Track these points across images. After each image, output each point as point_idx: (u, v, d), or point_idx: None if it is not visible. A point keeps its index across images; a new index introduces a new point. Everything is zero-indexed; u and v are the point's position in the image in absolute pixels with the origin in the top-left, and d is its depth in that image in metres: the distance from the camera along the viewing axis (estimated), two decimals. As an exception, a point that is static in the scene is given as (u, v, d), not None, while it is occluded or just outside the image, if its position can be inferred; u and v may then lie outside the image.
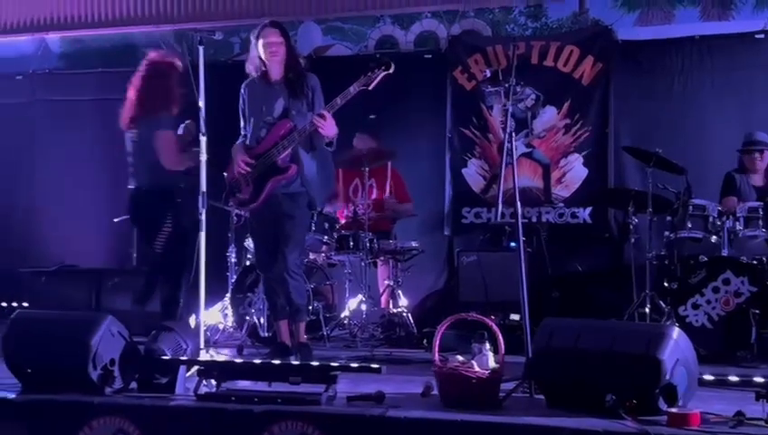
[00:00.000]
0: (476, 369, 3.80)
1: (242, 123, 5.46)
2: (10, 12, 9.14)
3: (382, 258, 6.88)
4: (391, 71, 5.11)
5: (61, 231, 8.51)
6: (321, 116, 5.10)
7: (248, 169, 5.28)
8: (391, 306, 6.68)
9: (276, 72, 5.32)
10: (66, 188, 8.64)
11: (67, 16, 8.96)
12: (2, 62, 9.22)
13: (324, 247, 6.73)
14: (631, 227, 6.33)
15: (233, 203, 5.70)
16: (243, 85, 5.44)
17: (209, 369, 4.06)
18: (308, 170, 5.29)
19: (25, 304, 7.18)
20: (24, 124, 8.90)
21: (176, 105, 5.36)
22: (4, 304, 7.97)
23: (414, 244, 6.87)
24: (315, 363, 4.12)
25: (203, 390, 3.95)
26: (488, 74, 4.65)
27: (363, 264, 6.64)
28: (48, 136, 8.85)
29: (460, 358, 3.94)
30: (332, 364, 4.01)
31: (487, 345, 3.92)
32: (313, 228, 6.43)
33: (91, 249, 8.26)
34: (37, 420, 3.86)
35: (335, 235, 6.64)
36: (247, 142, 5.39)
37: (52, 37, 9.14)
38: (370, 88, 5.16)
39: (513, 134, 4.26)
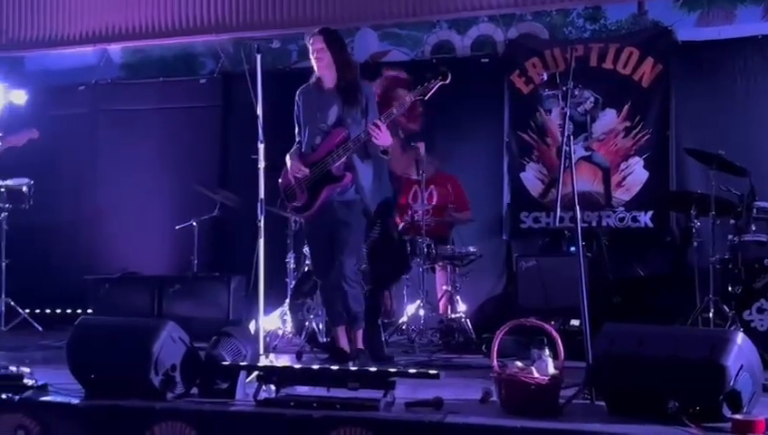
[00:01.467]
0: (536, 375, 3.77)
1: (297, 130, 5.50)
2: (73, 24, 9.32)
3: (440, 264, 6.87)
4: (448, 81, 5.10)
5: (124, 239, 8.66)
6: (376, 126, 5.10)
7: (303, 176, 5.31)
8: (449, 312, 6.67)
9: (329, 80, 5.34)
10: (129, 197, 8.79)
11: (128, 27, 9.10)
12: (65, 74, 9.41)
13: (382, 253, 6.74)
14: (694, 230, 6.22)
15: (288, 210, 5.74)
16: (298, 92, 5.48)
17: (269, 374, 4.09)
18: (363, 178, 5.30)
19: (89, 311, 7.31)
20: (87, 134, 9.07)
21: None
22: (68, 311, 8.14)
23: (472, 249, 6.84)
24: (373, 369, 4.11)
25: (262, 395, 3.98)
26: (546, 78, 4.62)
27: (421, 269, 6.64)
28: (110, 145, 9.00)
29: (519, 364, 3.91)
30: (390, 370, 4.01)
31: (547, 351, 3.88)
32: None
33: (154, 257, 8.38)
34: (100, 426, 3.92)
35: (392, 241, 6.64)
36: (302, 149, 5.42)
37: (114, 48, 9.30)
38: (426, 98, 5.17)
39: (572, 138, 4.21)
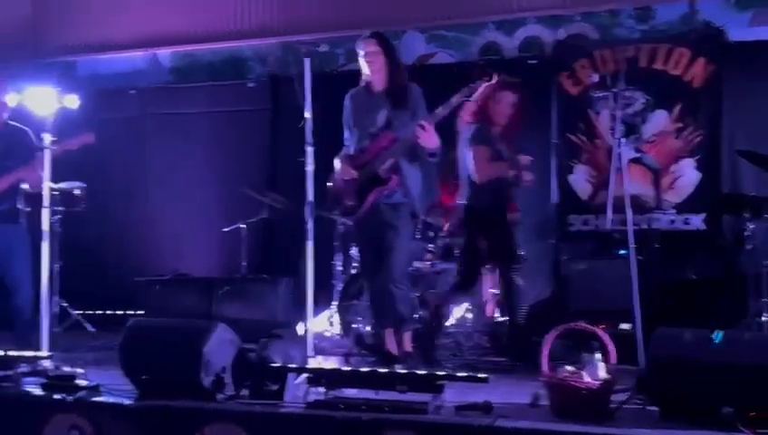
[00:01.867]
0: (587, 379, 3.74)
1: (345, 133, 5.51)
2: (123, 29, 9.45)
3: (487, 266, 6.82)
4: (494, 81, 5.08)
5: (174, 241, 8.76)
6: (422, 127, 5.10)
7: (351, 179, 5.32)
8: (497, 315, 6.62)
9: (379, 83, 5.35)
10: (179, 199, 8.89)
11: (177, 32, 9.22)
12: (115, 78, 9.55)
13: (429, 255, 6.73)
14: (746, 233, 6.12)
15: (337, 212, 5.76)
16: (347, 96, 5.49)
17: (318, 376, 4.10)
18: (411, 181, 5.29)
19: (140, 313, 7.39)
20: (138, 138, 9.19)
21: None
22: (120, 313, 8.24)
23: (519, 252, 6.79)
24: (422, 372, 4.11)
25: (312, 397, 3.99)
26: (596, 79, 4.58)
27: (468, 272, 6.60)
28: (160, 149, 9.11)
29: (570, 368, 3.88)
30: (439, 373, 4.00)
31: (598, 355, 3.85)
32: (418, 237, 6.43)
33: (204, 259, 8.47)
34: (152, 426, 3.97)
35: (440, 243, 6.63)
36: (351, 152, 5.43)
37: (163, 52, 9.42)
38: (472, 99, 5.15)
39: (623, 140, 4.18)
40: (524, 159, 5.77)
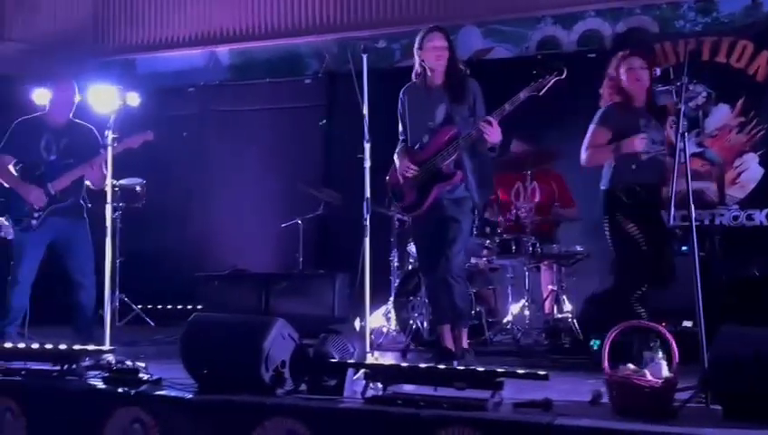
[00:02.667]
0: (649, 377, 3.68)
1: (400, 128, 5.50)
2: (182, 27, 9.58)
3: (545, 263, 6.78)
4: (563, 76, 5.03)
5: (232, 237, 8.85)
6: (488, 122, 5.07)
7: (412, 175, 5.31)
8: (556, 312, 6.57)
9: (438, 78, 5.32)
10: (236, 195, 8.98)
11: (235, 29, 9.31)
12: (175, 76, 9.68)
13: (485, 252, 6.70)
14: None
15: (396, 208, 5.75)
16: (402, 90, 5.48)
17: (376, 372, 4.10)
18: (471, 175, 5.27)
19: (199, 307, 7.47)
20: (197, 134, 9.30)
21: None
22: (179, 307, 8.36)
23: (578, 248, 6.72)
24: (481, 369, 4.08)
25: (370, 393, 3.99)
26: (658, 73, 4.49)
27: (526, 268, 6.57)
28: (218, 145, 9.21)
29: (631, 366, 3.82)
30: (498, 370, 3.97)
31: (660, 353, 3.79)
32: (475, 232, 6.41)
33: (261, 254, 8.54)
34: (213, 420, 4.00)
35: (497, 239, 6.59)
36: (409, 147, 5.42)
37: (222, 50, 9.51)
38: (541, 94, 5.10)
39: (687, 134, 4.11)
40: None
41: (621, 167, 5.14)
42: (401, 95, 5.47)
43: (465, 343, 5.33)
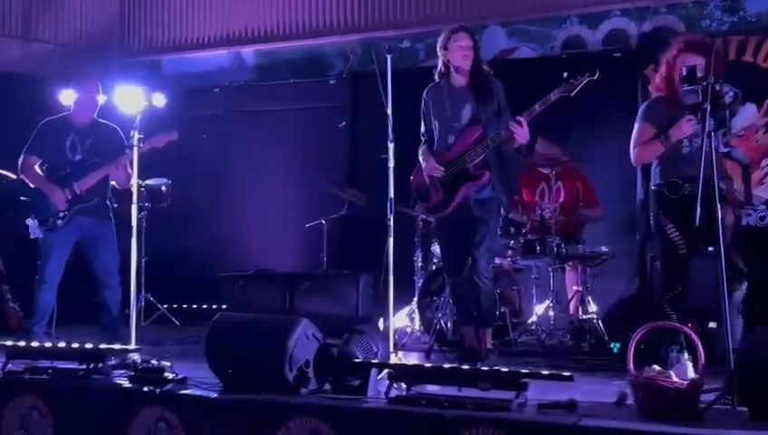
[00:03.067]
0: (675, 379, 3.66)
1: (422, 128, 5.49)
2: (208, 28, 9.63)
3: (570, 263, 6.74)
4: (595, 77, 5.01)
5: (257, 237, 8.86)
6: (519, 123, 5.06)
7: (439, 175, 5.31)
8: (580, 312, 6.54)
9: (463, 78, 5.32)
10: (261, 195, 8.99)
11: (260, 30, 9.34)
12: (200, 76, 9.72)
13: (510, 252, 6.68)
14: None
15: (421, 209, 5.74)
16: (426, 90, 5.47)
17: (400, 372, 4.10)
18: (498, 176, 5.26)
19: (223, 307, 7.49)
20: (222, 135, 9.33)
21: None
22: (204, 307, 8.39)
23: (604, 248, 6.69)
24: (505, 369, 4.07)
25: (393, 393, 3.99)
26: (685, 72, 4.44)
27: (551, 269, 6.54)
28: (243, 145, 9.23)
29: (657, 367, 3.80)
30: (523, 371, 3.96)
31: (686, 354, 3.77)
32: (499, 233, 6.39)
33: (285, 254, 8.55)
34: (237, 419, 4.02)
35: (521, 239, 6.57)
36: (434, 147, 5.41)
37: (247, 50, 9.54)
38: (572, 95, 5.08)
39: (713, 134, 4.07)
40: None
41: (665, 162, 4.99)
42: (424, 95, 5.46)
43: (489, 343, 5.33)
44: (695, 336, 3.74)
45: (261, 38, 9.33)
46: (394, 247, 5.03)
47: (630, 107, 7.66)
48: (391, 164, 5.04)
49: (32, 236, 6.05)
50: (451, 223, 5.38)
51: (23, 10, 9.20)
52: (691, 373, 3.71)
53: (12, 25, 9.14)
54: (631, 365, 3.77)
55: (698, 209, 4.10)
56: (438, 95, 5.41)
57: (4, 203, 7.46)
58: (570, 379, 3.89)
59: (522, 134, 5.07)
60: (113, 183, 6.17)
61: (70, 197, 5.98)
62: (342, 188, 7.85)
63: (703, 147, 4.13)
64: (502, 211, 5.48)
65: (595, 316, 6.42)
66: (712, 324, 5.68)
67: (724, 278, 4.01)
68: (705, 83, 4.19)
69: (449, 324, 6.40)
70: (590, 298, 6.57)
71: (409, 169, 5.52)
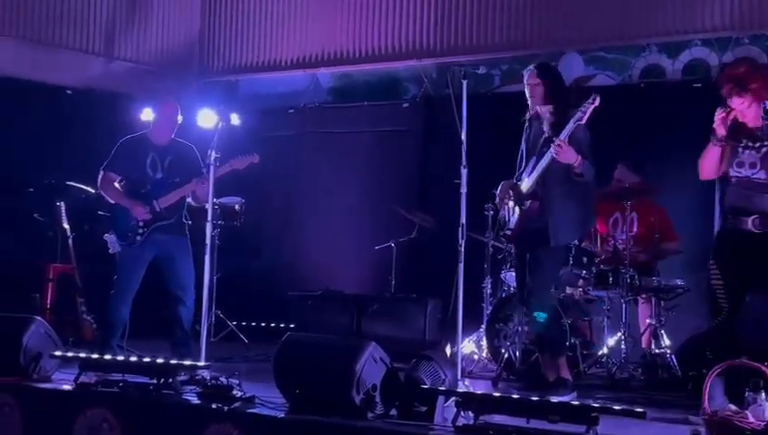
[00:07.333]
0: (751, 419, 3.55)
1: (518, 160, 5.51)
2: (284, 49, 9.74)
3: (644, 296, 6.61)
4: (596, 103, 4.98)
5: (327, 257, 8.91)
6: (559, 145, 5.04)
7: (508, 204, 5.36)
8: (653, 346, 6.39)
9: (544, 112, 5.33)
10: (332, 216, 9.04)
11: (336, 52, 9.42)
12: (277, 97, 9.84)
13: (581, 282, 6.57)
14: None
15: (502, 237, 5.82)
16: (526, 120, 5.51)
17: (468, 400, 4.06)
18: (557, 204, 5.20)
19: (291, 326, 7.54)
20: (295, 156, 9.41)
21: None
22: (272, 325, 8.46)
23: (679, 281, 6.54)
24: (576, 403, 4.00)
25: (461, 421, 3.95)
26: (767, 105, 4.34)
27: (623, 301, 6.42)
28: (316, 167, 9.29)
29: (732, 407, 3.69)
30: (594, 405, 3.88)
31: (763, 395, 3.65)
32: (571, 262, 6.30)
33: (354, 275, 8.57)
34: (303, 440, 4.03)
35: (594, 269, 6.47)
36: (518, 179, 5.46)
37: (323, 72, 9.63)
38: (583, 122, 5.06)
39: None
40: None
41: (721, 194, 4.93)
42: (525, 125, 5.50)
43: (561, 373, 5.25)
44: (774, 376, 3.63)
45: (336, 60, 9.40)
46: (464, 273, 5.00)
47: (709, 138, 7.53)
48: (464, 190, 5.03)
49: (110, 251, 6.15)
50: (516, 252, 5.41)
51: (106, 28, 9.43)
52: (769, 415, 3.59)
53: (94, 43, 9.36)
54: (706, 404, 3.67)
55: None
56: (530, 127, 5.45)
57: (82, 217, 7.65)
58: (642, 416, 3.80)
59: (564, 155, 5.04)
60: (189, 200, 6.26)
61: (150, 213, 6.08)
62: (413, 211, 7.84)
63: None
64: (565, 241, 5.42)
65: (668, 351, 6.27)
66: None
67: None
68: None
69: (517, 353, 6.32)
70: (663, 332, 6.42)
71: (483, 195, 5.54)
